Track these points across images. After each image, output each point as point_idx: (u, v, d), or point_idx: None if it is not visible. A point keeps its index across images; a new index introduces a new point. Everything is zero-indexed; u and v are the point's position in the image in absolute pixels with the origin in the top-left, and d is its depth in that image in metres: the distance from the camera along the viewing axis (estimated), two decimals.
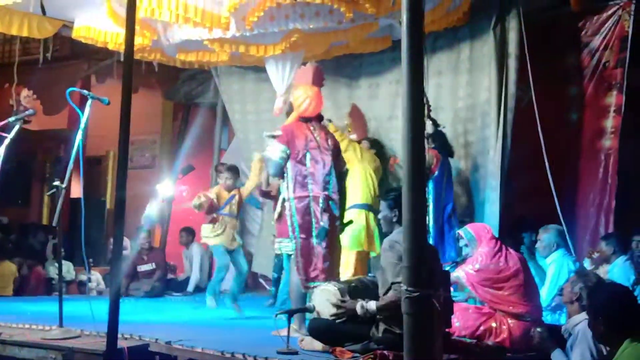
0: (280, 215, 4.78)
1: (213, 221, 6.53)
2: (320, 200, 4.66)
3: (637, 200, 6.46)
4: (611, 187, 6.29)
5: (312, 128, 4.84)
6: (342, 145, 5.71)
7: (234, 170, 6.77)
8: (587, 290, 3.77)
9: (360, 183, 6.29)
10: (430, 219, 5.88)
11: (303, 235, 4.66)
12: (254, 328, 5.44)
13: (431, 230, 5.85)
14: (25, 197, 11.42)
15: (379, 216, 4.19)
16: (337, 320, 3.91)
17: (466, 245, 4.60)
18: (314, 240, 4.66)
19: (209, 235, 6.57)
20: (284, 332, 4.10)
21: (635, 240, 5.89)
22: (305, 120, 4.86)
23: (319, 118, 4.98)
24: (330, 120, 6.22)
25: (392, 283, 3.70)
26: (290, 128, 4.81)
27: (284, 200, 4.77)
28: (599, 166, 6.40)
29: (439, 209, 5.93)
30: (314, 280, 4.62)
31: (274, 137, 4.78)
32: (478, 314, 4.32)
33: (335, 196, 4.76)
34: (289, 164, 4.73)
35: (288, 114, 5.09)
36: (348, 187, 5.71)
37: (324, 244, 4.66)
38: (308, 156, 4.72)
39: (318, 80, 4.98)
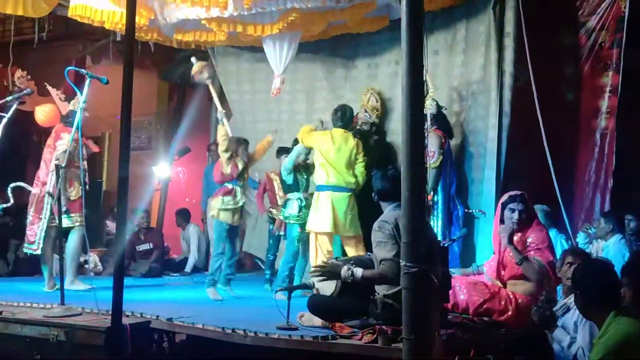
0: None
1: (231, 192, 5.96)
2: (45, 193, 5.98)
3: (634, 179, 6.51)
4: (607, 167, 6.33)
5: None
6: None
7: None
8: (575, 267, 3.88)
9: (324, 165, 5.90)
10: (440, 199, 5.93)
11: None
12: (253, 306, 5.48)
13: (440, 209, 5.90)
14: (20, 178, 11.29)
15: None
16: (320, 279, 4.05)
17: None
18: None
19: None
20: None
21: (628, 219, 5.97)
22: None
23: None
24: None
25: (381, 260, 3.83)
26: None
27: None
28: (595, 146, 6.44)
29: (446, 189, 5.98)
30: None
31: None
32: (484, 291, 4.27)
33: (53, 189, 5.74)
34: None
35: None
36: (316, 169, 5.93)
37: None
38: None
39: None
